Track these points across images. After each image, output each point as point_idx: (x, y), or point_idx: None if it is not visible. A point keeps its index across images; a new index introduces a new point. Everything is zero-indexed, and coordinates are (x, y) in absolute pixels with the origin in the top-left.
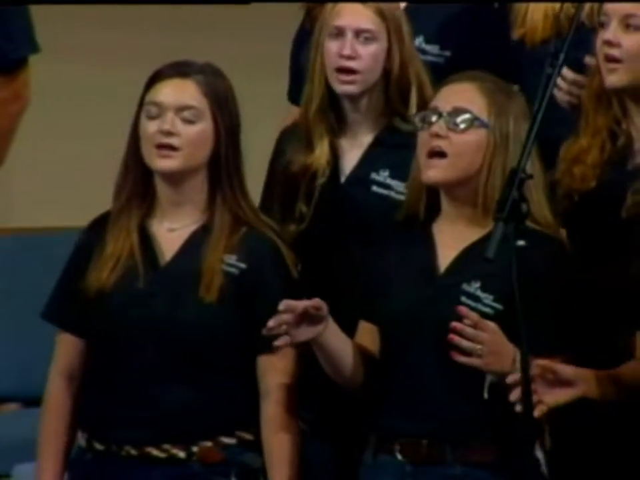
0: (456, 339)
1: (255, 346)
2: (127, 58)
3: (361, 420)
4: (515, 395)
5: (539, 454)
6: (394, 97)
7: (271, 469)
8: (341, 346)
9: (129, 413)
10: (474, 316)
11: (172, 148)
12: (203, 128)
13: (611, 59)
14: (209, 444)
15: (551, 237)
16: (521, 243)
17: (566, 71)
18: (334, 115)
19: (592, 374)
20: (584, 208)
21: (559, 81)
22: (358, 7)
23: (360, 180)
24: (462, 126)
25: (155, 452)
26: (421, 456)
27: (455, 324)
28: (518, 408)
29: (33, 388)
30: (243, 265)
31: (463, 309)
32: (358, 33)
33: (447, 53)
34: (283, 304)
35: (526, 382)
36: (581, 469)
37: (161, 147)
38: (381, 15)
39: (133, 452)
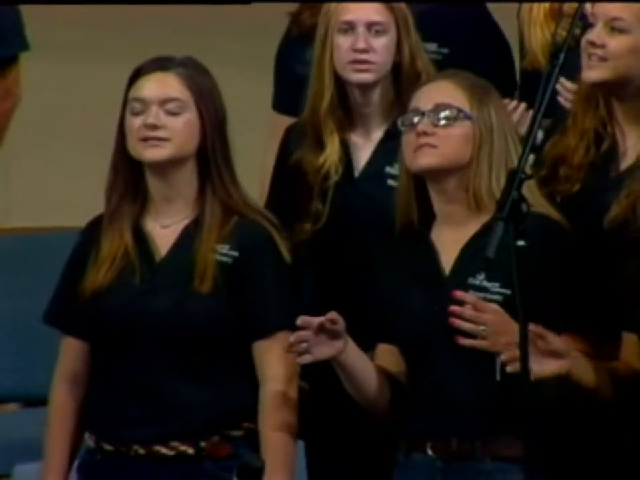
0: (456, 322)
1: (250, 333)
2: (128, 58)
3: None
4: (506, 355)
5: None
6: (405, 89)
7: (266, 458)
8: (363, 366)
9: (135, 412)
10: (471, 298)
11: (159, 139)
12: (188, 118)
13: (595, 59)
14: (216, 438)
15: (546, 216)
16: (520, 243)
17: (565, 82)
18: (343, 112)
19: (585, 357)
20: (565, 211)
21: (562, 91)
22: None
23: (374, 174)
24: (447, 120)
25: (163, 450)
26: (452, 452)
27: (452, 307)
28: (508, 369)
29: (33, 388)
30: (235, 254)
31: (458, 293)
32: (369, 25)
33: (445, 50)
34: (300, 320)
35: (525, 372)
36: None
37: (147, 139)
38: (389, 7)
39: (142, 451)
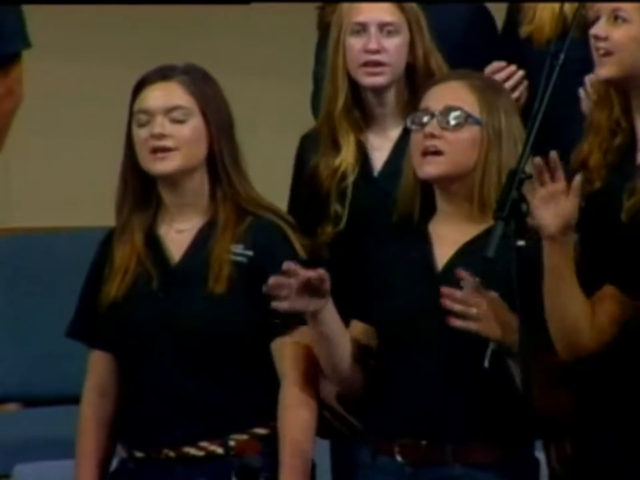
0: (447, 303)
1: (268, 332)
2: (128, 58)
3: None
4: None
5: (540, 455)
6: (420, 89)
7: (282, 450)
8: (338, 332)
9: (162, 416)
10: (471, 279)
11: (167, 150)
12: (195, 126)
13: (601, 53)
14: (245, 437)
15: None
16: (520, 243)
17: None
18: (359, 112)
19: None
20: (589, 211)
21: (587, 86)
22: (377, 2)
23: (394, 173)
24: (455, 124)
25: (192, 451)
26: (421, 457)
27: (443, 289)
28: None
29: (33, 388)
30: (250, 253)
31: (461, 272)
32: (381, 26)
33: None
34: (286, 264)
35: (527, 383)
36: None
37: (156, 150)
38: (401, 7)
39: (172, 454)
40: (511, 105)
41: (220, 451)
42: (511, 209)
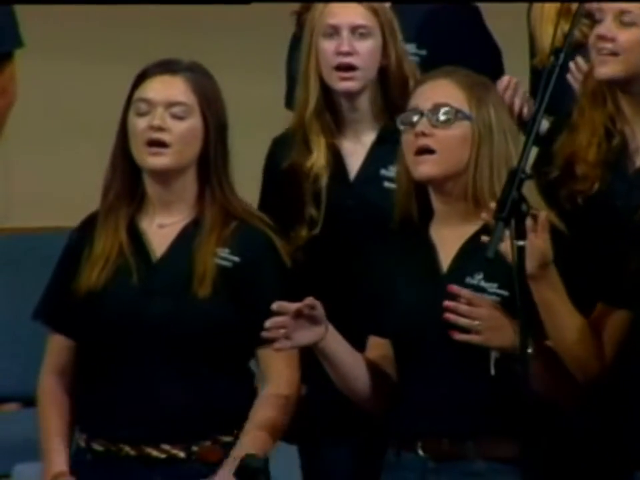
0: (451, 317)
1: (254, 339)
2: (128, 57)
3: (375, 423)
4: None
5: None
6: (394, 93)
7: (246, 426)
8: (348, 356)
9: (126, 412)
10: (466, 292)
11: (162, 144)
12: (193, 124)
13: (605, 53)
14: (208, 443)
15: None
16: (520, 243)
17: (580, 61)
18: (331, 116)
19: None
20: (589, 212)
21: (574, 71)
22: (350, 4)
23: (370, 177)
24: (445, 121)
25: (154, 452)
26: (443, 452)
27: (447, 303)
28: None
29: (33, 388)
30: (236, 259)
31: (453, 287)
32: (353, 29)
33: (423, 52)
34: (276, 305)
35: (525, 377)
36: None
37: (152, 143)
38: (374, 11)
39: (132, 452)
40: (499, 99)
41: (182, 455)
42: (511, 209)
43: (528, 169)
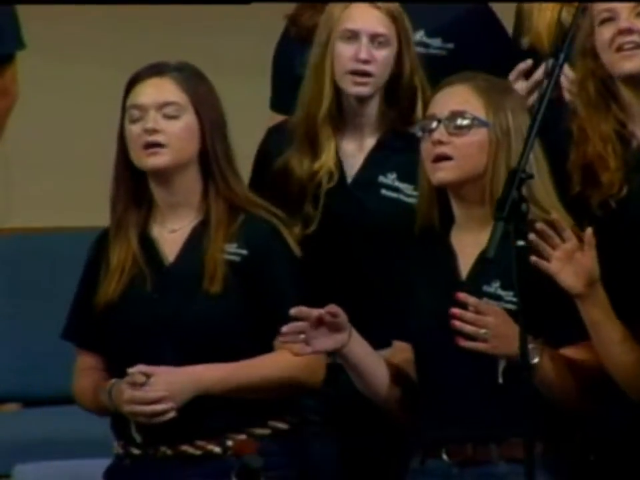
0: (458, 324)
1: (269, 331)
2: (127, 57)
3: (367, 420)
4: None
5: None
6: (403, 101)
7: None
8: (371, 360)
9: None
10: (473, 300)
11: (159, 145)
12: (187, 122)
13: (629, 47)
14: (242, 437)
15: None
16: (520, 243)
17: (566, 70)
18: (339, 119)
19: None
20: (626, 212)
21: (563, 80)
22: (370, 9)
23: (367, 183)
24: (462, 128)
25: (190, 450)
26: (467, 457)
27: (453, 310)
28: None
29: (33, 388)
30: (244, 252)
31: (460, 295)
32: (373, 37)
33: (450, 46)
34: (295, 310)
35: (527, 378)
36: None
37: (148, 146)
38: (393, 17)
39: (169, 452)
40: (518, 103)
41: (217, 450)
42: (511, 209)
43: (528, 168)
